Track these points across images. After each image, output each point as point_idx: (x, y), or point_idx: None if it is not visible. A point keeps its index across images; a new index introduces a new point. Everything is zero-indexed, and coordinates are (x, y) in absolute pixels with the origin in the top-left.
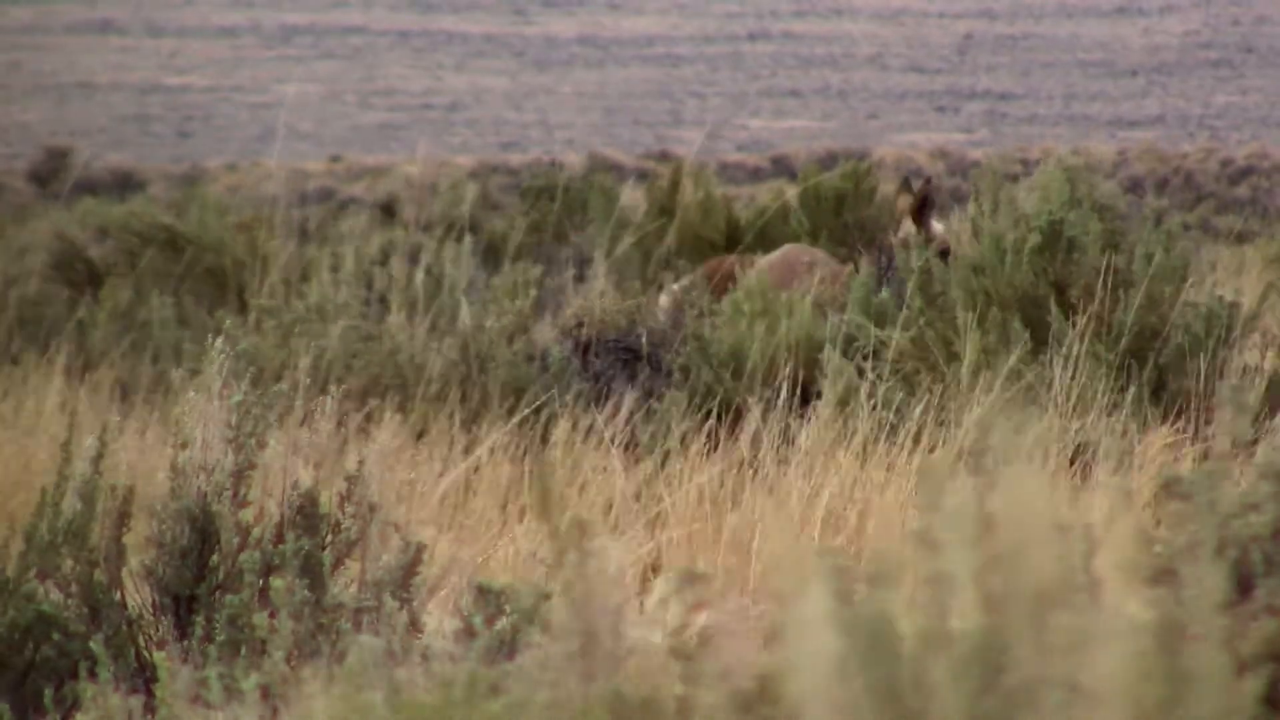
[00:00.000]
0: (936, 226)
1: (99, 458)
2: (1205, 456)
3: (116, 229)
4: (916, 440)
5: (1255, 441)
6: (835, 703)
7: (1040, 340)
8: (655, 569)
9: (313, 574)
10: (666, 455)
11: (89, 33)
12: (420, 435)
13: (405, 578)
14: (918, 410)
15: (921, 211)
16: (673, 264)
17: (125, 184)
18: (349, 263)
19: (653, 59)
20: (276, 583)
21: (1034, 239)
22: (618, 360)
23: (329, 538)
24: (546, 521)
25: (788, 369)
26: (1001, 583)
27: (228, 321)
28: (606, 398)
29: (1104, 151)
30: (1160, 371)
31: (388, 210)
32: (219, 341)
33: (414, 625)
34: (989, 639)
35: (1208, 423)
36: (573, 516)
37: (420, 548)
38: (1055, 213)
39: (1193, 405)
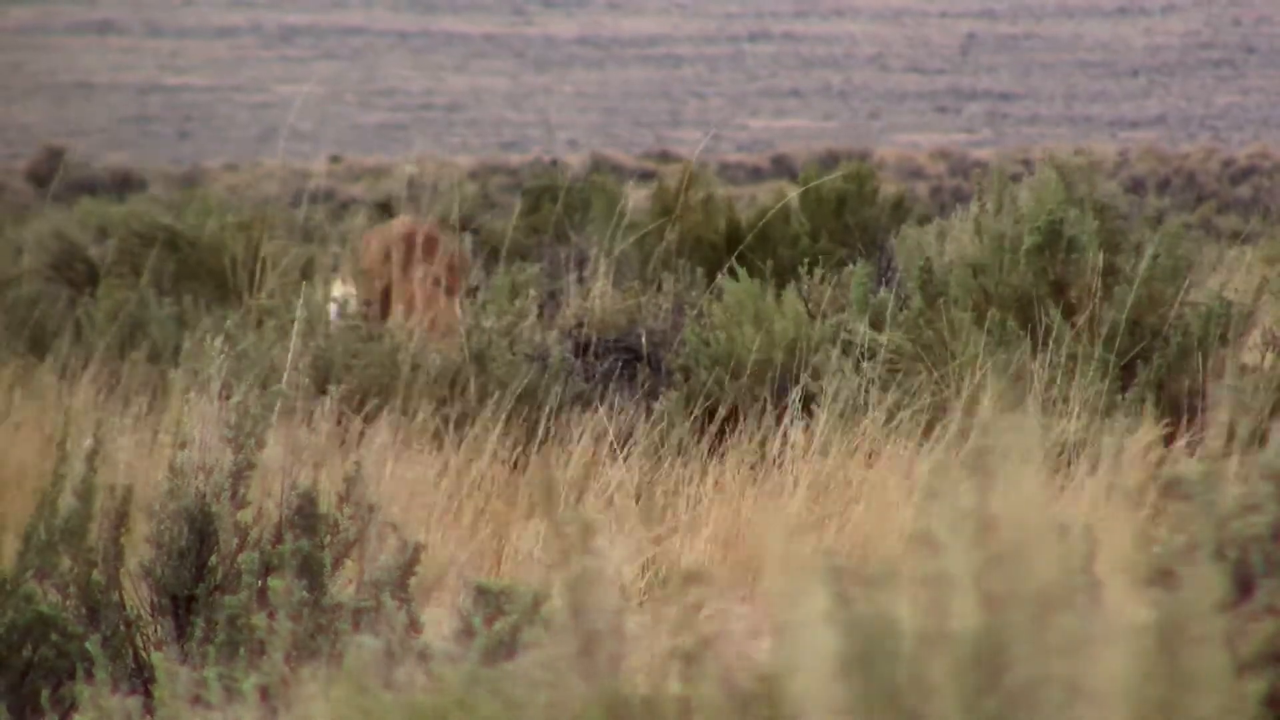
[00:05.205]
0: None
1: (96, 458)
2: (1204, 456)
3: (116, 229)
4: (915, 439)
5: (1262, 440)
6: (835, 703)
7: (1039, 340)
8: (655, 569)
9: (311, 574)
10: (663, 454)
11: (89, 33)
12: (419, 436)
13: (403, 577)
14: (915, 409)
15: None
16: (673, 264)
17: (125, 184)
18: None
19: (653, 59)
20: (275, 583)
21: (1033, 239)
22: (618, 360)
23: (327, 538)
24: (550, 520)
25: (782, 369)
26: (1001, 583)
27: (228, 321)
28: (606, 398)
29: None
30: (1160, 371)
31: (387, 210)
32: (218, 341)
33: (413, 625)
34: (989, 639)
35: (1206, 423)
36: (577, 516)
37: (418, 547)
38: (1053, 212)
39: (1192, 405)
